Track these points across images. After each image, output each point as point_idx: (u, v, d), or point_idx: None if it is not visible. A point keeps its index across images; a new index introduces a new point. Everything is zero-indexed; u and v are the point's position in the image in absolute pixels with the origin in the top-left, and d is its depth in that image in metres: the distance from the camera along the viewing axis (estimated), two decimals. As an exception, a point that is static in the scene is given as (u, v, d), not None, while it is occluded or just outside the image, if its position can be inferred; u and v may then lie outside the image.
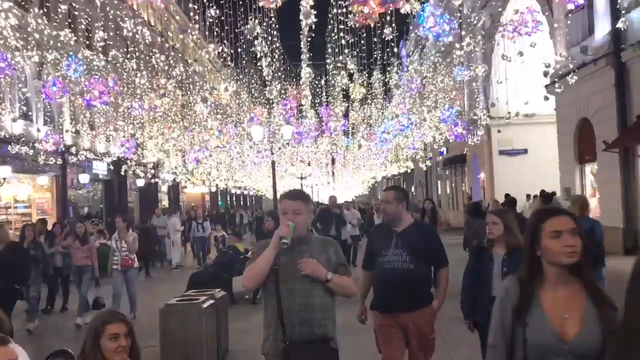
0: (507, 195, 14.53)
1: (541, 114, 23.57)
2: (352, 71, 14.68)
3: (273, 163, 19.40)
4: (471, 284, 4.85)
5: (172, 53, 18.61)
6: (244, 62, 17.96)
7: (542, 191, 13.55)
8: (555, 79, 18.66)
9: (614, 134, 15.24)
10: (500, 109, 22.70)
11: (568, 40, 17.54)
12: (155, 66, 15.15)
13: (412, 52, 26.00)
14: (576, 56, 16.47)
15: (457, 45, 14.86)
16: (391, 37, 10.59)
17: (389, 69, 16.94)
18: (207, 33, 15.88)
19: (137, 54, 15.37)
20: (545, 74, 18.66)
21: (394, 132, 19.06)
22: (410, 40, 33.38)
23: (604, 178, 16.57)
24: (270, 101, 17.12)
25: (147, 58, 15.18)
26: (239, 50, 16.99)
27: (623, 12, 14.95)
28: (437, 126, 20.86)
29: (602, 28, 15.97)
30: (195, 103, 16.32)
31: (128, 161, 22.62)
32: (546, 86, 19.72)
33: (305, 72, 12.42)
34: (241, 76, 18.77)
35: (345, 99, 17.22)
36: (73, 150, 22.53)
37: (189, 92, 17.76)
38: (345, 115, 20.46)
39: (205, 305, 6.63)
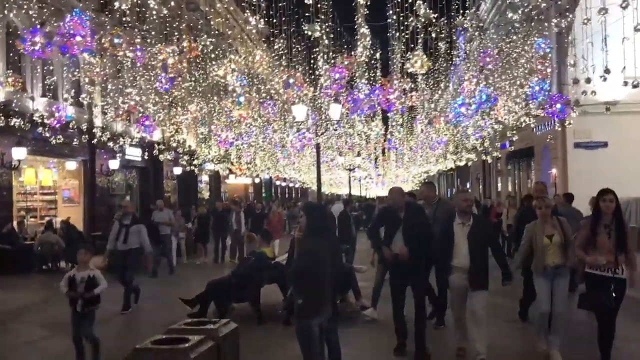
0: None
1: (625, 101, 20.33)
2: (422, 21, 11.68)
3: (318, 147, 16.39)
4: None
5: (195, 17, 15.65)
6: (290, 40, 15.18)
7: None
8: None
9: None
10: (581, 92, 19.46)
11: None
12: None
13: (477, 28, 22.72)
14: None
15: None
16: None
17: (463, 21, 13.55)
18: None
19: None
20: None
21: (474, 105, 15.60)
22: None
23: None
24: (314, 52, 14.00)
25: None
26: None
27: None
28: (513, 108, 17.55)
29: None
30: (217, 64, 13.31)
31: (157, 145, 20.47)
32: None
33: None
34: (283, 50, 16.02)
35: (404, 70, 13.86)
36: (102, 132, 20.76)
37: (210, 58, 14.86)
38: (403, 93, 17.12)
39: (194, 355, 4.13)
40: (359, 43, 11.84)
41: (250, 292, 8.91)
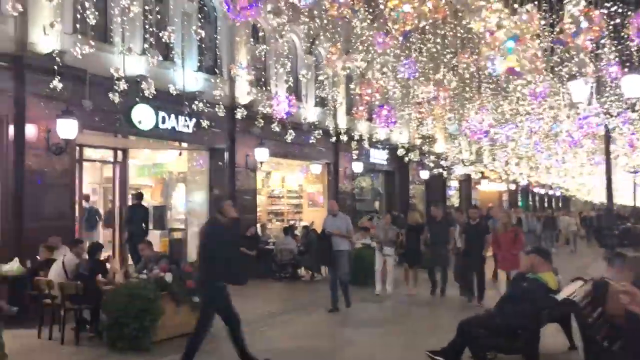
0: None
1: None
2: None
3: (607, 132, 11.87)
4: None
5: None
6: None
7: None
8: None
9: None
10: None
11: None
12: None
13: None
14: None
15: None
16: None
17: None
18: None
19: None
20: None
21: None
22: None
23: None
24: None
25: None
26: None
27: None
28: None
29: None
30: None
31: (402, 146, 18.43)
32: None
33: None
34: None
35: None
36: (344, 133, 19.72)
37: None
38: None
39: None
40: None
41: (522, 338, 6.03)
